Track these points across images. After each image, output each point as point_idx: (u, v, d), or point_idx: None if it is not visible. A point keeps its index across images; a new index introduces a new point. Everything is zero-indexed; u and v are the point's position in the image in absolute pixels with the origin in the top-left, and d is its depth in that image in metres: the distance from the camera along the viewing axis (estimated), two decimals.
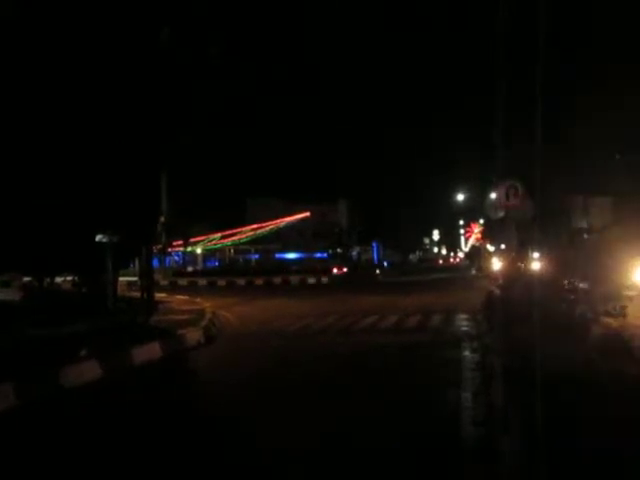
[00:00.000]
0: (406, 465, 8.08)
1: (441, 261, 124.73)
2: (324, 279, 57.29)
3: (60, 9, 19.46)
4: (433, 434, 9.17)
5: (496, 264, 36.75)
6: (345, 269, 69.54)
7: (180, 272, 65.01)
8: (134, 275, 32.92)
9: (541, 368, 6.08)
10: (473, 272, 65.52)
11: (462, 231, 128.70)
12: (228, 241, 78.22)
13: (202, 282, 55.43)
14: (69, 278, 29.43)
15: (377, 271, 72.20)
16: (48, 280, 25.91)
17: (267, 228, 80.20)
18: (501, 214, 22.02)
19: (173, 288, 46.84)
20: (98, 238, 20.65)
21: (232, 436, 9.44)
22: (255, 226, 79.02)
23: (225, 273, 62.32)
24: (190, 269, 72.26)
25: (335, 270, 69.82)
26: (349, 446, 8.80)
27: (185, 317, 23.44)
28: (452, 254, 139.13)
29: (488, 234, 65.62)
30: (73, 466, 8.35)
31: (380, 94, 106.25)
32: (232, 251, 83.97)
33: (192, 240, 66.81)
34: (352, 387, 12.73)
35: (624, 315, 15.42)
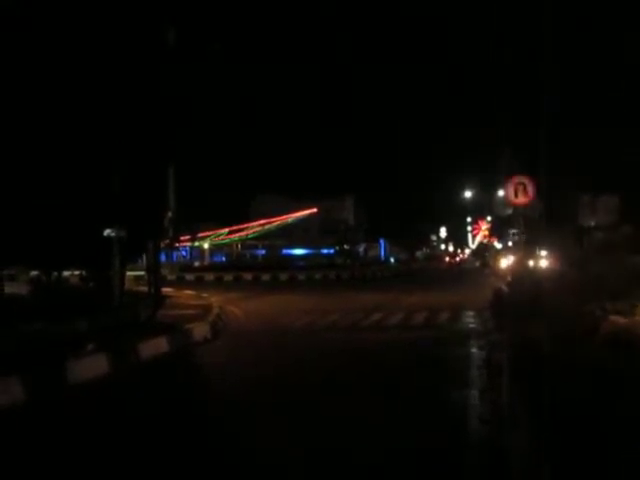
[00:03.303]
0: (410, 464, 8.02)
1: (447, 258, 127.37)
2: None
3: (68, 7, 19.46)
4: (439, 432, 9.12)
5: (504, 261, 36.71)
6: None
7: (187, 267, 65.08)
8: (141, 270, 32.95)
9: (549, 365, 6.04)
10: (477, 264, 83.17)
11: (469, 228, 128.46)
12: (235, 236, 78.29)
13: (209, 277, 55.46)
14: (77, 272, 29.44)
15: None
16: (56, 274, 25.93)
17: (274, 224, 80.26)
18: (509, 211, 21.97)
19: (180, 283, 46.87)
20: (106, 233, 20.62)
21: (234, 437, 9.33)
22: (263, 221, 79.08)
23: (232, 268, 62.38)
24: (197, 264, 72.35)
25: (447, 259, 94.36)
26: (350, 446, 8.70)
27: (192, 312, 23.46)
28: (459, 251, 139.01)
29: (496, 231, 65.70)
30: (78, 464, 8.32)
31: (389, 93, 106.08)
32: (239, 246, 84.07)
33: (199, 235, 66.88)
34: (356, 385, 12.64)
35: (634, 313, 15.30)
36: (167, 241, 26.84)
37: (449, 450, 8.30)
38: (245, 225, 77.82)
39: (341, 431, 9.32)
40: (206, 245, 75.92)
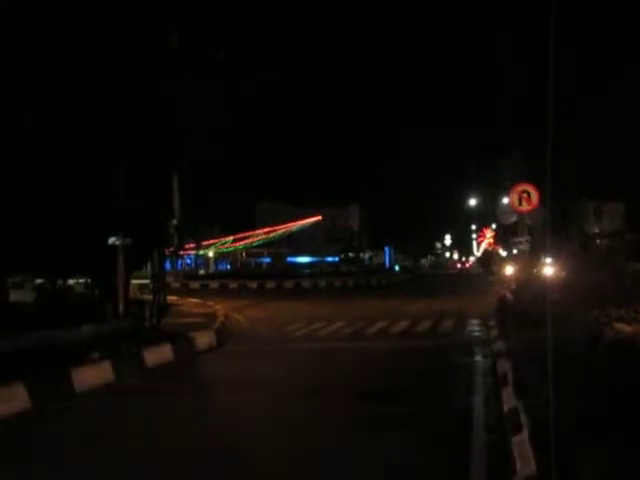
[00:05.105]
0: (412, 471, 8.02)
1: (459, 265, 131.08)
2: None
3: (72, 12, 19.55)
4: (444, 438, 9.12)
5: (509, 268, 36.69)
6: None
7: (192, 275, 65.21)
8: (146, 278, 33.06)
9: (553, 373, 6.04)
10: (480, 270, 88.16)
11: (474, 236, 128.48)
12: (240, 244, 78.40)
13: (214, 285, 55.54)
14: (82, 280, 29.56)
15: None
16: (61, 282, 26.03)
17: (279, 232, 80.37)
18: (513, 219, 22.00)
19: (185, 291, 46.95)
20: (111, 241, 20.70)
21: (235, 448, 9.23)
22: (267, 229, 79.21)
23: (237, 276, 62.46)
24: (202, 272, 72.48)
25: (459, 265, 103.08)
26: (347, 460, 8.52)
27: (197, 320, 23.49)
28: (464, 258, 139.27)
29: (500, 239, 65.66)
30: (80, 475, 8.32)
31: (393, 99, 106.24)
32: (244, 254, 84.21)
33: (204, 243, 67.00)
34: (356, 392, 12.63)
35: (638, 320, 15.28)
36: (172, 249, 26.88)
37: (453, 454, 8.32)
38: (250, 233, 77.95)
39: (338, 436, 9.36)
40: (211, 253, 76.09)
